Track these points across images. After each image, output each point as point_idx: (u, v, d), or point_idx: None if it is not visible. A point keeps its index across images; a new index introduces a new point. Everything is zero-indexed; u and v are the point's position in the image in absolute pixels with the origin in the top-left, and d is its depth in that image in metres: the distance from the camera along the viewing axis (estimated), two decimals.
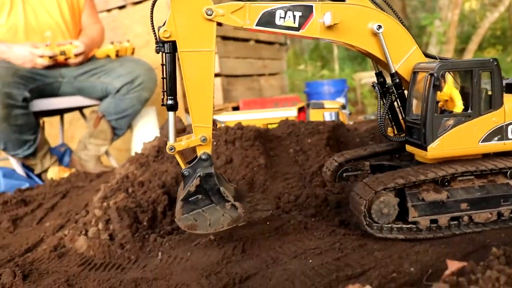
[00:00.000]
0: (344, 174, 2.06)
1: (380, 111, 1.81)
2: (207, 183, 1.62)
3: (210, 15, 1.55)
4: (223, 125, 2.96)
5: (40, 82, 4.34)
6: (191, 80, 1.59)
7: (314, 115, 3.83)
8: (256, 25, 1.61)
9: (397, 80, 1.76)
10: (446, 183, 1.72)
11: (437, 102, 1.72)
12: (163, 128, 2.65)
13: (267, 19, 1.61)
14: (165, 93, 1.65)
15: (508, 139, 1.71)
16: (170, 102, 1.64)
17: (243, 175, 2.27)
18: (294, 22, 1.62)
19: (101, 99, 4.69)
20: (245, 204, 1.73)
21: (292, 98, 7.11)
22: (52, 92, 4.49)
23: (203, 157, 1.64)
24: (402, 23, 1.74)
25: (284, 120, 2.94)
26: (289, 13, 1.61)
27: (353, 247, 1.75)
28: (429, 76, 1.62)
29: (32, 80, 4.25)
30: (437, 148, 1.66)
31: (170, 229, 2.12)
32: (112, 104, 4.62)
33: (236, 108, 5.99)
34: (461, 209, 1.72)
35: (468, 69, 1.65)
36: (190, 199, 1.62)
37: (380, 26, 1.66)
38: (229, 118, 3.72)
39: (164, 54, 1.61)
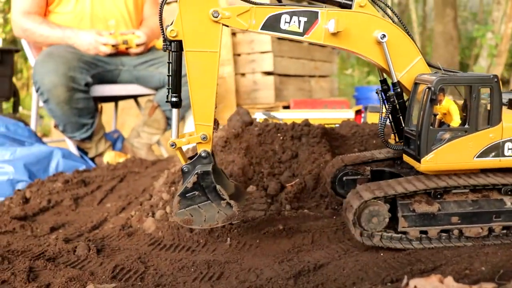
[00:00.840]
0: (344, 178, 2.04)
1: (381, 118, 1.80)
2: (204, 181, 1.65)
3: (217, 17, 1.57)
4: (280, 121, 2.99)
5: (102, 69, 4.47)
6: (195, 79, 1.62)
7: (372, 118, 3.82)
8: (261, 29, 1.62)
9: (399, 90, 1.74)
10: (439, 196, 1.70)
11: (435, 115, 1.69)
12: (231, 119, 2.70)
13: (272, 23, 1.61)
14: (169, 90, 1.68)
15: (504, 156, 1.67)
16: (174, 99, 1.67)
17: (309, 170, 2.29)
18: (299, 27, 1.63)
19: (157, 89, 4.78)
20: (242, 201, 1.77)
21: (341, 101, 7.08)
22: (111, 79, 4.61)
23: (203, 154, 1.67)
24: (407, 32, 1.71)
25: (346, 121, 2.95)
26: (295, 18, 1.61)
27: None
28: (427, 90, 1.61)
29: (95, 66, 4.38)
30: (431, 161, 1.64)
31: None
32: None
33: (286, 107, 6.02)
34: (451, 223, 1.70)
35: (467, 85, 1.63)
36: (187, 194, 1.66)
37: (384, 35, 1.64)
38: (286, 116, 3.75)
39: (170, 52, 1.64)
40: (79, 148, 4.64)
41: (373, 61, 1.71)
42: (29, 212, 2.81)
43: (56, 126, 4.60)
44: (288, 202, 2.12)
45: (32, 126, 4.94)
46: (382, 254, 1.71)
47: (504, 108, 1.76)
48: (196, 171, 1.64)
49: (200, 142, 1.66)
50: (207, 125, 1.65)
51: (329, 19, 1.60)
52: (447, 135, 1.64)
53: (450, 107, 1.66)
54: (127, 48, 4.47)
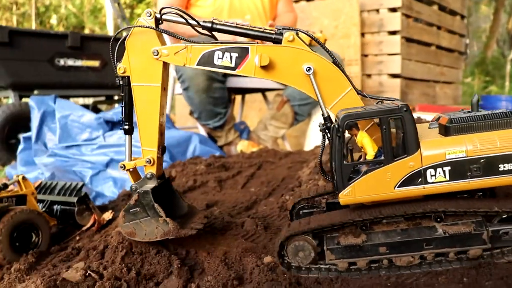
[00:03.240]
0: (301, 212, 1.97)
1: (321, 151, 1.76)
2: (144, 199, 1.77)
3: (157, 55, 1.70)
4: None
5: None
6: (140, 110, 1.77)
7: None
8: (197, 65, 1.70)
9: (329, 124, 1.67)
10: (363, 227, 1.63)
11: (351, 149, 1.65)
12: None
13: (206, 60, 1.69)
14: (122, 119, 1.83)
15: (428, 183, 1.56)
16: (126, 127, 1.83)
17: None
18: (231, 62, 1.68)
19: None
20: (196, 220, 1.90)
21: (466, 109, 6.85)
22: None
23: (148, 176, 1.83)
24: (337, 64, 1.67)
25: None
26: (227, 54, 1.67)
27: None
28: (333, 127, 1.57)
29: None
30: (348, 195, 1.59)
31: None
32: (297, 90, 4.78)
33: None
34: (379, 253, 1.61)
35: (375, 118, 1.56)
36: (130, 210, 1.78)
37: (310, 68, 1.62)
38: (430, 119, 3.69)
39: (122, 86, 1.78)
40: (208, 136, 4.84)
41: (305, 93, 1.71)
42: (179, 189, 2.98)
43: (191, 113, 4.82)
44: None
45: (167, 112, 5.22)
46: None
47: (434, 132, 1.66)
48: (138, 190, 1.79)
49: (145, 165, 1.82)
50: (152, 150, 1.81)
51: (258, 53, 1.65)
52: (364, 168, 1.59)
53: (363, 140, 1.61)
54: (262, 43, 4.58)
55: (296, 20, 5.14)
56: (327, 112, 1.68)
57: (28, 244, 2.36)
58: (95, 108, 6.51)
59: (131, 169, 1.84)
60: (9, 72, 5.51)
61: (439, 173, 1.55)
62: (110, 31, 12.76)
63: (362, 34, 6.03)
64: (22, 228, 2.33)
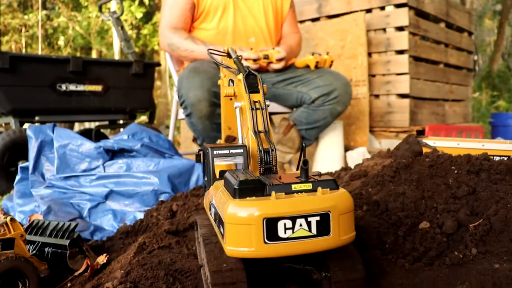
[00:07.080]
0: None
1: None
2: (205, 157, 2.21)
3: (219, 77, 2.28)
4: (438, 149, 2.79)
5: None
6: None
7: None
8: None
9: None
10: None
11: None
12: (399, 148, 2.54)
13: (230, 83, 2.14)
14: None
15: (210, 214, 1.72)
16: None
17: (494, 210, 2.06)
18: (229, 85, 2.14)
19: (293, 107, 4.73)
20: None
21: (476, 127, 6.68)
22: None
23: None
24: (254, 108, 1.81)
25: None
26: (230, 83, 2.12)
27: None
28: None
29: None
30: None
31: (417, 255, 1.98)
32: (304, 114, 4.62)
33: (420, 132, 5.75)
34: None
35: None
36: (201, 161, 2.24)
37: (236, 104, 1.95)
38: (443, 144, 3.50)
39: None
40: None
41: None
42: (179, 227, 2.82)
43: (194, 140, 4.68)
44: (474, 244, 1.91)
45: (170, 138, 5.08)
46: None
47: None
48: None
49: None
50: (221, 135, 2.41)
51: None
52: None
53: None
54: (267, 64, 4.43)
55: (300, 41, 5.01)
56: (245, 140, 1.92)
57: None
58: (98, 132, 6.39)
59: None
60: (9, 98, 5.41)
61: (210, 211, 1.68)
62: (117, 52, 12.71)
63: (369, 54, 5.88)
64: (7, 276, 2.18)
